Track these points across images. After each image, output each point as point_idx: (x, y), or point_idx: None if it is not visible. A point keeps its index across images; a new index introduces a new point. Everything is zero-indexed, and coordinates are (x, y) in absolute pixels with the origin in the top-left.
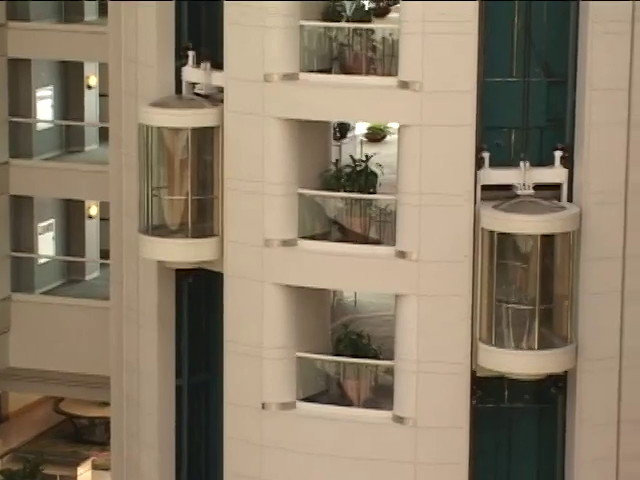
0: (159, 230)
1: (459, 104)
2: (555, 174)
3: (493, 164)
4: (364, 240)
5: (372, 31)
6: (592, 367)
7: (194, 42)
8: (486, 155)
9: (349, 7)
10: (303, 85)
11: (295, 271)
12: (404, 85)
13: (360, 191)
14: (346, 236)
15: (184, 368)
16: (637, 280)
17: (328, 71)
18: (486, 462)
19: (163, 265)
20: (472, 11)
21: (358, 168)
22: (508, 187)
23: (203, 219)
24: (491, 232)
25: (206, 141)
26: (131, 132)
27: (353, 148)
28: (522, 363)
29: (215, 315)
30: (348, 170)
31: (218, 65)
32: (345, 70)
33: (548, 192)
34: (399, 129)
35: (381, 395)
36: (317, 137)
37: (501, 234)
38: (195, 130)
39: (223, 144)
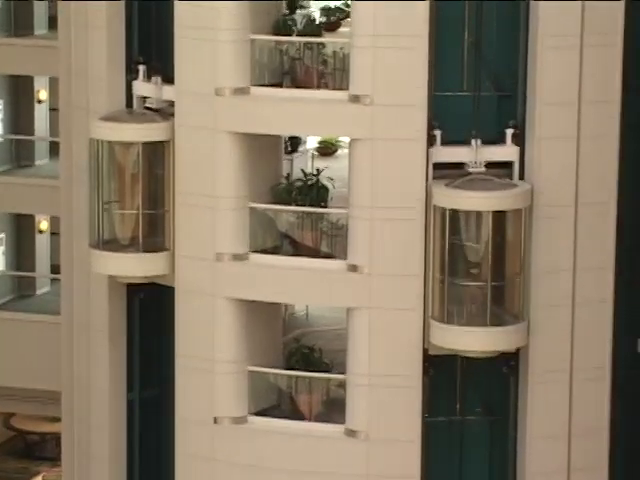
0: (110, 245)
1: (410, 118)
2: (507, 152)
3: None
4: (316, 254)
5: (323, 45)
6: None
7: (145, 56)
8: (438, 133)
9: (300, 21)
10: (254, 99)
11: (246, 285)
12: (355, 99)
13: (311, 205)
14: (298, 250)
15: (135, 383)
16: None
17: (279, 85)
18: (439, 474)
19: (114, 280)
20: (422, 26)
21: (309, 182)
22: (460, 166)
23: (154, 233)
24: (443, 209)
25: (157, 155)
26: (82, 146)
27: (304, 162)
28: (474, 340)
29: (167, 329)
30: (299, 184)
31: (169, 79)
32: (296, 84)
33: (500, 170)
34: (350, 143)
35: (333, 409)
36: (268, 151)
37: (453, 211)
38: (146, 144)
39: (174, 158)
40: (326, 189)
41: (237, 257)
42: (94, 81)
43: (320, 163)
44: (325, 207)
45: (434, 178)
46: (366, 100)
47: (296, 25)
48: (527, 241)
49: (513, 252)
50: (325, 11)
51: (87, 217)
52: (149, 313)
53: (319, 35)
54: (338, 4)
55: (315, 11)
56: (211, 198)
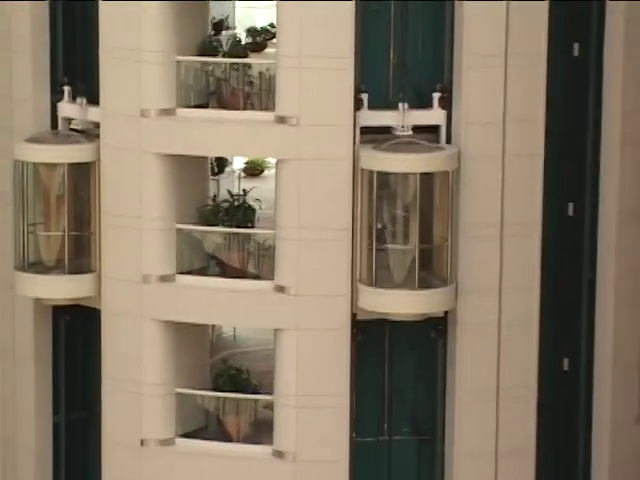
0: (35, 267)
1: (336, 138)
2: (433, 116)
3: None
4: (243, 275)
5: (249, 66)
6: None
7: (70, 77)
8: (365, 96)
9: (226, 42)
10: (180, 120)
11: (173, 307)
12: (281, 120)
13: (238, 226)
14: (225, 271)
15: (62, 405)
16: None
17: (205, 106)
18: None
19: (40, 302)
20: (348, 47)
21: (236, 203)
22: (388, 132)
23: (80, 255)
24: (370, 172)
25: (83, 176)
26: (6, 168)
27: (231, 182)
28: (402, 303)
29: (93, 352)
30: (226, 205)
31: (94, 100)
32: (222, 105)
33: (428, 136)
34: (277, 163)
35: (261, 430)
36: (195, 172)
37: (380, 173)
38: (71, 166)
39: (100, 179)
40: (253, 210)
41: (164, 278)
42: (18, 102)
43: (247, 184)
44: (252, 228)
45: (362, 143)
46: (292, 121)
47: (222, 46)
48: (454, 204)
49: (441, 216)
50: (251, 32)
51: (12, 239)
52: (75, 335)
53: (245, 56)
54: (264, 25)
55: (241, 32)
56: (137, 219)
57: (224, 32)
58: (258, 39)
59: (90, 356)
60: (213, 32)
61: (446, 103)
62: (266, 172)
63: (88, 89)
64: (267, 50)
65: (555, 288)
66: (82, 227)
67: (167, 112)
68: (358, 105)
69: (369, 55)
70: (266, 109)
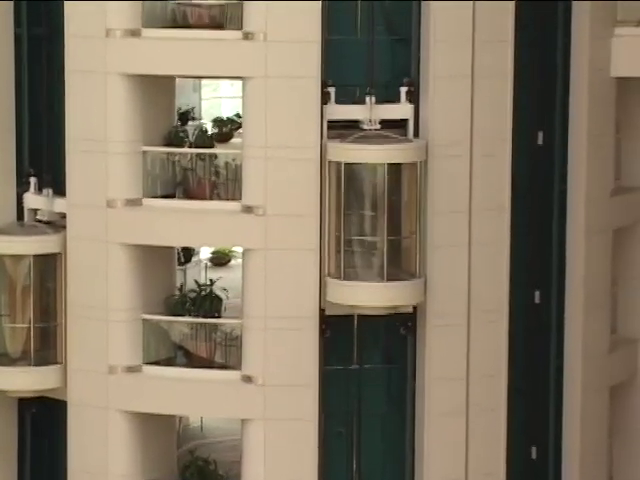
0: (0, 359)
1: (303, 228)
2: (401, 110)
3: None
4: (210, 365)
5: (215, 156)
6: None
7: (36, 168)
8: (332, 90)
9: (192, 132)
10: (147, 210)
11: (140, 397)
12: (248, 209)
13: (205, 316)
14: (191, 361)
15: None
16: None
17: (172, 196)
18: None
19: (5, 394)
20: (313, 137)
21: (203, 293)
22: (356, 127)
23: (46, 346)
24: (338, 164)
25: (49, 268)
26: None
27: (198, 272)
28: (371, 295)
29: (59, 444)
30: (193, 295)
31: (60, 191)
32: (189, 195)
33: (396, 130)
34: (243, 253)
35: None
36: (161, 262)
37: (348, 165)
38: (37, 257)
39: (66, 270)
40: (220, 299)
41: (130, 369)
42: None
43: (214, 273)
44: (219, 318)
45: (329, 138)
46: (259, 210)
47: (188, 136)
48: (422, 197)
49: (409, 208)
50: (217, 122)
51: None
52: (41, 427)
53: (211, 146)
54: (230, 115)
55: (207, 122)
56: (104, 310)
57: (190, 122)
58: (224, 129)
59: (56, 448)
60: (179, 122)
61: (413, 97)
62: (233, 261)
63: (54, 180)
64: (233, 140)
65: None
66: (48, 318)
67: (133, 202)
68: (325, 99)
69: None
70: (233, 199)
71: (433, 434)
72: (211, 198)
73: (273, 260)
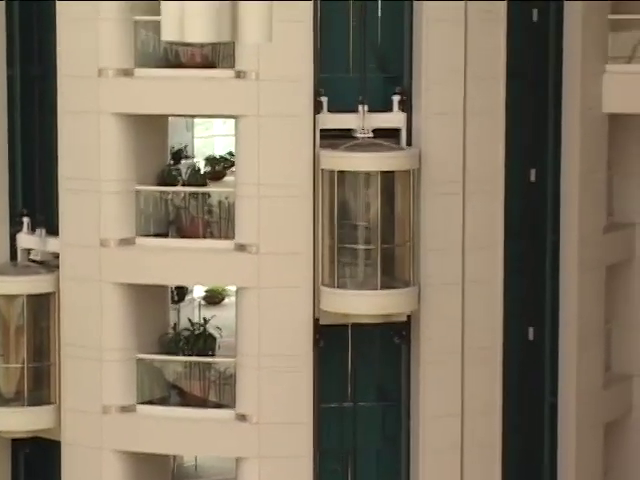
0: None
1: (296, 266)
2: (394, 119)
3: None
4: (204, 404)
5: (208, 195)
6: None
7: (28, 208)
8: (324, 99)
9: (185, 171)
10: (140, 249)
11: (134, 437)
12: (241, 248)
13: (199, 354)
14: (186, 400)
15: None
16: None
17: (165, 235)
18: None
19: None
20: (307, 175)
21: (197, 331)
22: (349, 137)
23: (40, 386)
24: (331, 172)
25: (42, 307)
26: None
27: (192, 311)
28: (365, 303)
29: None
30: (187, 333)
31: (53, 231)
32: (182, 233)
33: (388, 140)
34: (237, 291)
35: None
36: (155, 301)
37: (341, 173)
38: (30, 297)
39: (59, 310)
40: (213, 338)
41: (124, 409)
42: None
43: (207, 312)
44: (213, 356)
45: (322, 147)
46: (252, 249)
47: (181, 175)
48: (416, 205)
49: (402, 217)
50: (210, 161)
51: None
52: (35, 468)
53: (204, 185)
54: (223, 154)
55: (200, 161)
56: (97, 350)
57: (183, 161)
58: (217, 168)
59: None
60: (172, 161)
61: (406, 106)
62: (227, 300)
63: (47, 220)
64: (226, 178)
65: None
66: (41, 358)
67: (127, 241)
68: (317, 109)
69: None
70: (226, 237)
71: (428, 469)
72: (204, 236)
73: (266, 298)
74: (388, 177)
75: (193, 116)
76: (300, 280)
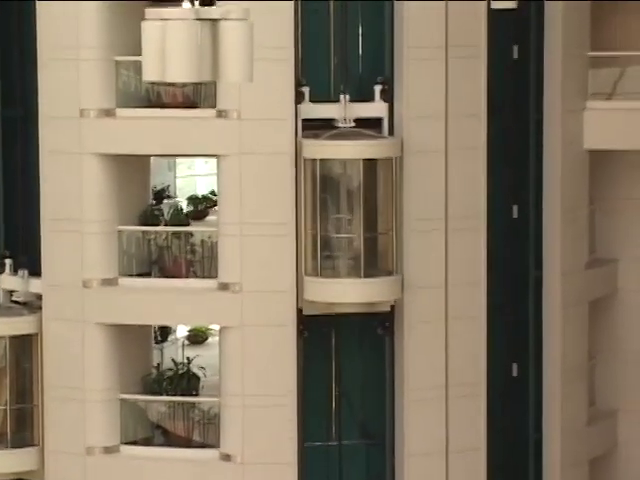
0: None
1: (279, 304)
2: (375, 108)
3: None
4: (188, 444)
5: (191, 234)
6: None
7: (11, 249)
8: (306, 89)
9: (167, 211)
10: (122, 290)
11: (118, 478)
12: (224, 287)
13: (183, 394)
14: (170, 440)
15: None
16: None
17: (148, 275)
18: None
19: None
20: (289, 215)
21: (180, 371)
22: (330, 127)
23: (23, 428)
24: (313, 161)
25: (25, 349)
26: None
27: (175, 350)
28: (348, 292)
29: None
30: (170, 373)
31: (36, 272)
32: (165, 273)
33: (370, 130)
34: (220, 330)
35: None
36: (138, 341)
37: (323, 162)
38: (13, 338)
39: (42, 351)
40: (197, 378)
41: (107, 450)
42: None
43: (191, 351)
44: (196, 396)
45: (304, 137)
46: (235, 288)
47: (163, 215)
48: (398, 193)
49: (385, 205)
50: (192, 200)
51: None
52: None
53: (186, 224)
54: (205, 193)
55: (182, 200)
56: (80, 391)
57: (165, 201)
58: (199, 207)
59: None
60: (154, 201)
61: (387, 96)
62: (210, 339)
63: (30, 261)
64: (209, 218)
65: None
66: (24, 400)
67: (109, 282)
68: (299, 99)
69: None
70: (209, 276)
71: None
72: (187, 276)
73: (250, 337)
74: (370, 165)
75: (175, 156)
76: (283, 318)
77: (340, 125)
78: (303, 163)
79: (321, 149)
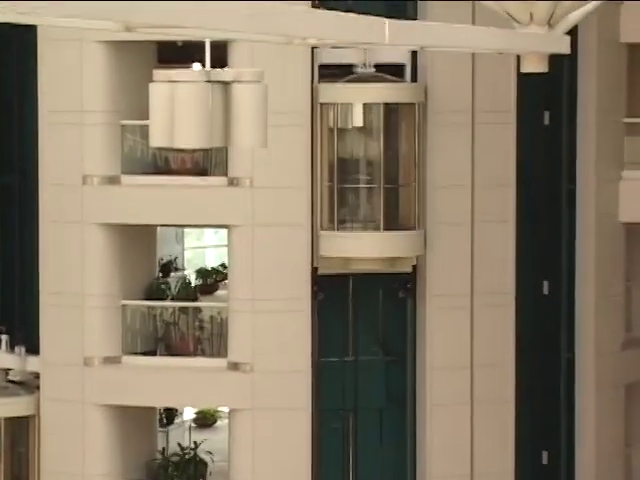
0: None
1: (293, 386)
2: (397, 53)
3: None
4: None
5: (199, 309)
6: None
7: (7, 325)
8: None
9: (174, 284)
10: (126, 368)
11: None
12: (234, 367)
13: None
14: None
15: None
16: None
17: (153, 353)
18: None
19: None
20: (305, 290)
21: (187, 456)
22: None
23: None
24: (331, 106)
25: (21, 431)
26: None
27: (181, 434)
28: (367, 246)
29: None
30: (176, 459)
31: (34, 349)
32: (171, 351)
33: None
34: (230, 413)
35: None
36: (142, 423)
37: (341, 106)
38: (9, 420)
39: (40, 434)
40: (205, 464)
41: None
42: None
43: (198, 435)
44: None
45: (321, 81)
46: (246, 367)
47: (170, 289)
48: (421, 141)
49: (408, 156)
50: (201, 273)
51: None
52: None
53: (195, 299)
54: (215, 266)
55: (190, 273)
56: (80, 477)
57: (173, 274)
58: (209, 280)
59: None
60: (161, 274)
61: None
62: (219, 422)
63: (27, 337)
64: (218, 292)
65: None
66: None
67: (112, 360)
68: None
69: None
70: (218, 355)
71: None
72: (195, 354)
73: (262, 421)
74: (391, 110)
75: (183, 226)
76: (297, 401)
77: (359, 70)
78: (320, 110)
79: (339, 92)
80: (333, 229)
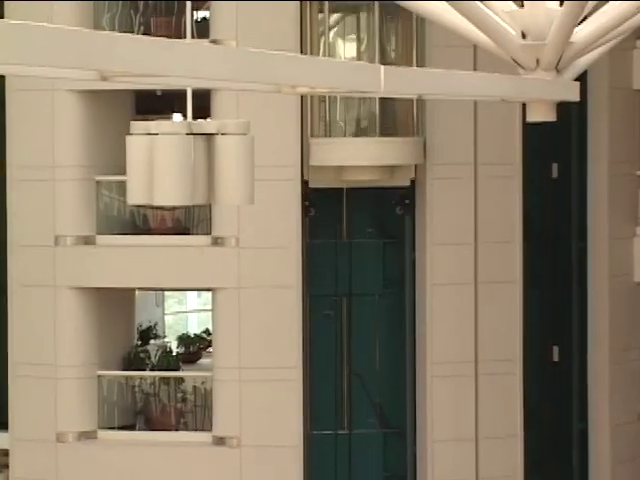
0: None
1: (283, 461)
2: None
3: None
4: None
5: (181, 379)
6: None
7: None
8: None
9: (154, 353)
10: (102, 444)
11: None
12: (220, 441)
13: None
14: None
15: None
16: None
17: (131, 427)
18: None
19: None
20: (296, 357)
21: None
22: None
23: None
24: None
25: None
26: None
27: None
28: (361, 152)
29: None
30: None
31: (2, 425)
32: (151, 425)
33: None
34: None
35: None
36: None
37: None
38: None
39: None
40: None
41: None
42: None
43: None
44: None
45: None
46: (232, 442)
47: (150, 357)
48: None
49: (405, 48)
50: (183, 340)
51: None
52: None
53: (177, 368)
54: (198, 332)
55: (171, 341)
56: None
57: (152, 341)
58: (192, 348)
59: None
60: (140, 341)
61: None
62: None
63: None
64: (202, 360)
65: None
66: None
67: (87, 435)
68: None
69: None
70: (202, 429)
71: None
72: (177, 428)
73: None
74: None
75: (164, 289)
76: (288, 476)
77: None
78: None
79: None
80: (324, 135)
